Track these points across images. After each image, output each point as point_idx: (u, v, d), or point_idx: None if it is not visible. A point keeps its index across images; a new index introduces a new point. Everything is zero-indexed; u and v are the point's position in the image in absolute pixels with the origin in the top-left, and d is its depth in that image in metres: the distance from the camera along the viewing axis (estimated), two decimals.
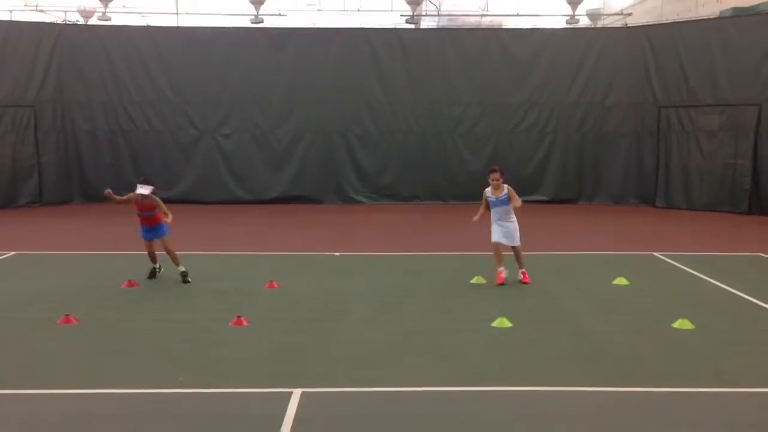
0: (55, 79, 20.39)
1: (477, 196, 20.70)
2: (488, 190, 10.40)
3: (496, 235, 10.44)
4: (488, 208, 10.48)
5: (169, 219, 10.38)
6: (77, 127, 20.77)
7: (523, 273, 10.55)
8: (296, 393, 6.19)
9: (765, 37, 18.46)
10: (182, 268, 10.54)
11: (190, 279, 10.48)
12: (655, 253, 12.91)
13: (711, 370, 6.95)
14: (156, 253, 10.74)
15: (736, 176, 19.01)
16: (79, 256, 12.86)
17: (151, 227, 10.64)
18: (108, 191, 10.50)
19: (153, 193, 10.50)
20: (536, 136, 21.35)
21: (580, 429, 5.63)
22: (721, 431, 5.65)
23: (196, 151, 21.11)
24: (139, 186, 10.45)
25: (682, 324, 8.24)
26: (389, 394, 6.32)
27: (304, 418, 5.74)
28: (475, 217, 10.44)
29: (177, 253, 10.62)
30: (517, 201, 10.29)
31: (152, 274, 10.78)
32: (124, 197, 10.74)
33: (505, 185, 10.36)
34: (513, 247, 10.52)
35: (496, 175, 10.25)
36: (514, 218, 10.52)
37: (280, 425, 5.57)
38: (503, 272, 10.33)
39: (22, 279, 10.84)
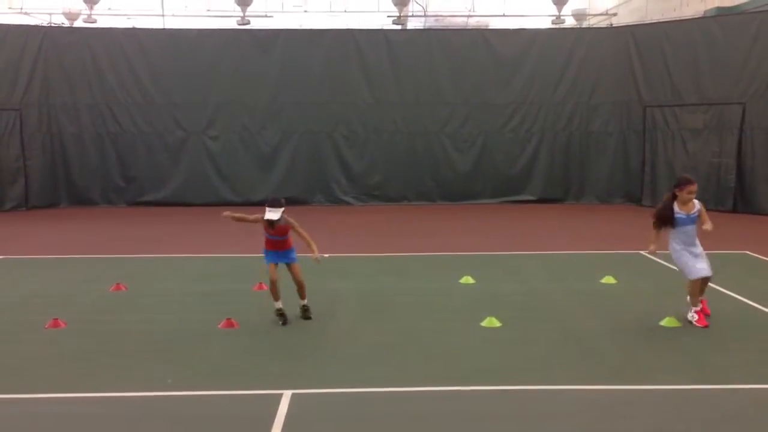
0: (40, 82, 20.27)
1: (465, 195, 21.31)
2: (675, 205, 8.18)
3: (699, 268, 8.13)
4: (660, 228, 8.27)
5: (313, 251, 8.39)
6: (63, 129, 20.65)
7: (702, 302, 8.47)
8: (286, 394, 6.20)
9: (749, 36, 18.61)
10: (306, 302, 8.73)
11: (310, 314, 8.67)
12: (642, 252, 12.98)
13: (698, 367, 7.02)
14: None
15: (720, 174, 19.16)
16: (66, 259, 12.80)
17: (283, 250, 8.58)
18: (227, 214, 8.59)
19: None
20: (523, 135, 21.43)
21: (570, 427, 5.67)
22: (707, 427, 5.70)
23: (183, 153, 21.05)
24: (268, 210, 8.28)
25: (669, 322, 8.30)
26: (379, 395, 6.33)
27: (294, 419, 5.74)
28: (652, 247, 8.25)
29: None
30: (708, 223, 8.14)
31: (282, 317, 8.50)
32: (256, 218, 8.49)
33: (696, 200, 8.23)
34: (705, 278, 8.29)
35: (694, 187, 8.10)
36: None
37: (270, 426, 5.57)
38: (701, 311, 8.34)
39: (9, 283, 10.79)
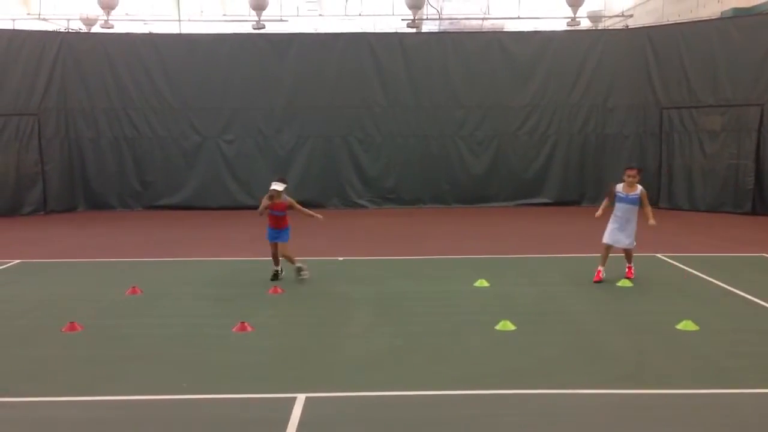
0: (58, 88, 20.44)
1: (480, 198, 21.29)
2: (619, 186, 10.55)
3: (610, 237, 10.56)
4: (612, 204, 10.55)
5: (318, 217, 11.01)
6: (81, 134, 20.82)
7: (629, 268, 10.77)
8: (300, 398, 6.21)
9: (766, 37, 18.45)
10: (298, 265, 10.82)
11: (305, 274, 10.79)
12: (659, 255, 12.91)
13: (714, 371, 6.96)
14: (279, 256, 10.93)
15: (739, 177, 18.99)
16: (83, 263, 12.90)
17: (279, 230, 10.82)
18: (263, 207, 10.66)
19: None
20: (538, 138, 21.35)
21: (584, 430, 5.63)
22: None
23: (199, 157, 21.16)
24: (273, 183, 10.58)
25: (686, 325, 8.24)
26: (393, 398, 6.33)
27: (308, 423, 5.75)
28: (598, 213, 10.65)
29: (290, 255, 10.88)
30: (650, 211, 10.42)
31: (275, 277, 10.91)
32: (264, 204, 10.69)
33: (640, 186, 10.46)
34: (625, 249, 10.67)
35: (633, 172, 10.37)
36: (635, 221, 10.58)
37: (284, 430, 5.59)
38: (602, 271, 10.61)
39: (27, 287, 10.88)
